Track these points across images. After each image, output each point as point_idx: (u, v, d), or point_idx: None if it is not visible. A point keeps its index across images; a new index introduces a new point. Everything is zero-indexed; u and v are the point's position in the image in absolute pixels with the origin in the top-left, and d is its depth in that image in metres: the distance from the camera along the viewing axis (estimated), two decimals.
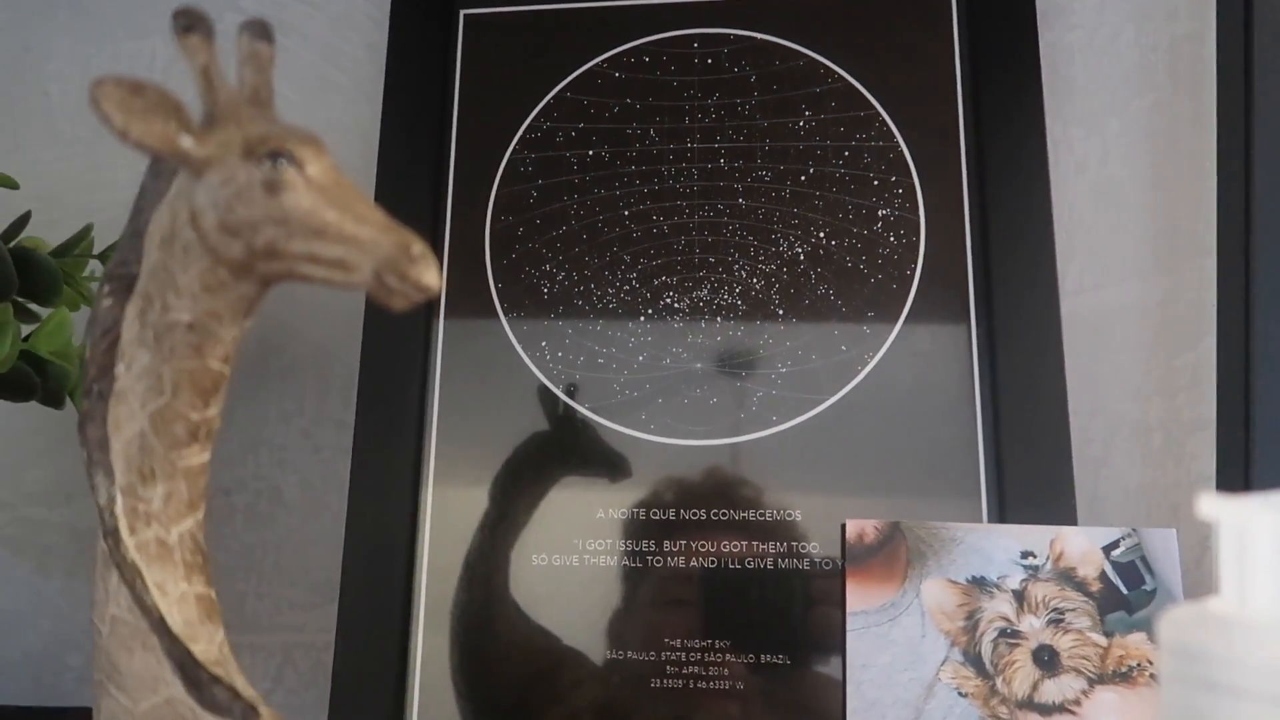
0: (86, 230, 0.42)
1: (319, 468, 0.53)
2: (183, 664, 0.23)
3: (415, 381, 0.45)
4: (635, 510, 0.42)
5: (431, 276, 0.23)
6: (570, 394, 0.44)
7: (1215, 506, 0.18)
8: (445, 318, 0.45)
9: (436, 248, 0.46)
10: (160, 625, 0.23)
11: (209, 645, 0.24)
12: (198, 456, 0.25)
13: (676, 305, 0.44)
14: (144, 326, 0.24)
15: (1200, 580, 0.45)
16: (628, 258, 0.45)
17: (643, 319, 0.44)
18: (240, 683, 0.23)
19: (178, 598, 0.24)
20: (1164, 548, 0.39)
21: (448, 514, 0.43)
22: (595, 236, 0.45)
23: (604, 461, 0.43)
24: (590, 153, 0.46)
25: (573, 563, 0.42)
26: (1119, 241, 0.48)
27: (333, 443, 0.53)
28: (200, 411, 0.24)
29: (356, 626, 0.43)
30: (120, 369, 0.24)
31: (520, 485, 0.43)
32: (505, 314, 0.45)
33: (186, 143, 0.22)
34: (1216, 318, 0.43)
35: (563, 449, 0.44)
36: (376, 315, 0.45)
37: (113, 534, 0.23)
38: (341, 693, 0.42)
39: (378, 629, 0.43)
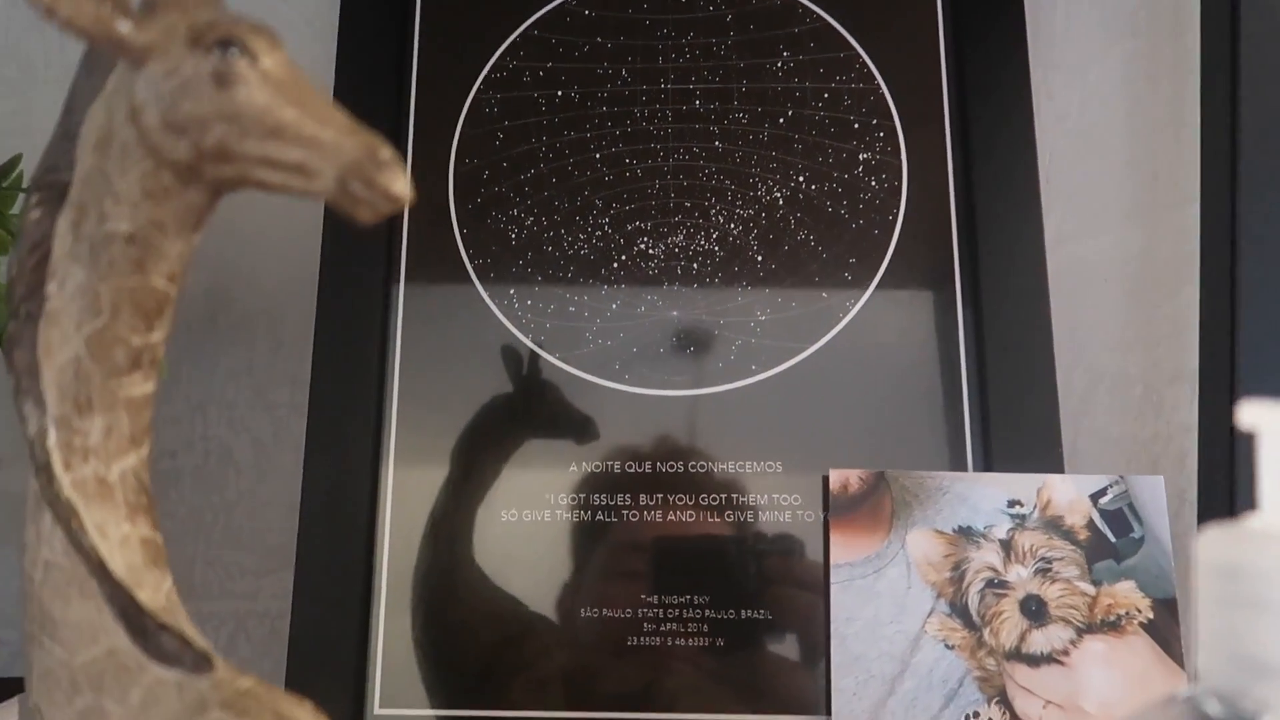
0: (15, 161, 0.39)
1: (272, 426, 0.50)
2: (126, 611, 0.21)
3: (375, 332, 0.42)
4: (609, 464, 0.41)
5: (401, 184, 0.21)
6: (527, 358, 0.42)
7: (1258, 416, 0.17)
8: (407, 265, 0.43)
9: None
10: (100, 570, 0.21)
11: (155, 592, 0.22)
12: (140, 386, 0.22)
13: (651, 251, 0.43)
14: (78, 240, 0.21)
15: (1179, 531, 0.44)
16: (600, 202, 0.43)
17: (616, 265, 0.43)
18: (191, 631, 0.21)
19: (119, 540, 0.22)
20: (1151, 495, 0.38)
21: (411, 473, 0.41)
22: (565, 180, 0.43)
23: (571, 423, 0.41)
24: (559, 93, 0.44)
25: (544, 518, 0.40)
26: (1099, 190, 0.47)
27: (286, 400, 0.50)
28: (143, 335, 0.22)
29: (314, 593, 0.41)
30: (52, 288, 0.22)
31: (485, 445, 0.41)
32: (470, 260, 0.43)
33: (124, 27, 0.20)
34: (1200, 266, 0.42)
35: (528, 410, 0.42)
36: (333, 262, 0.43)
37: (45, 469, 0.21)
38: (299, 661, 0.40)
39: (337, 595, 0.41)
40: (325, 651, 0.40)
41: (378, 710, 0.39)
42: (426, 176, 0.44)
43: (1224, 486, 0.40)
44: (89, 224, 0.21)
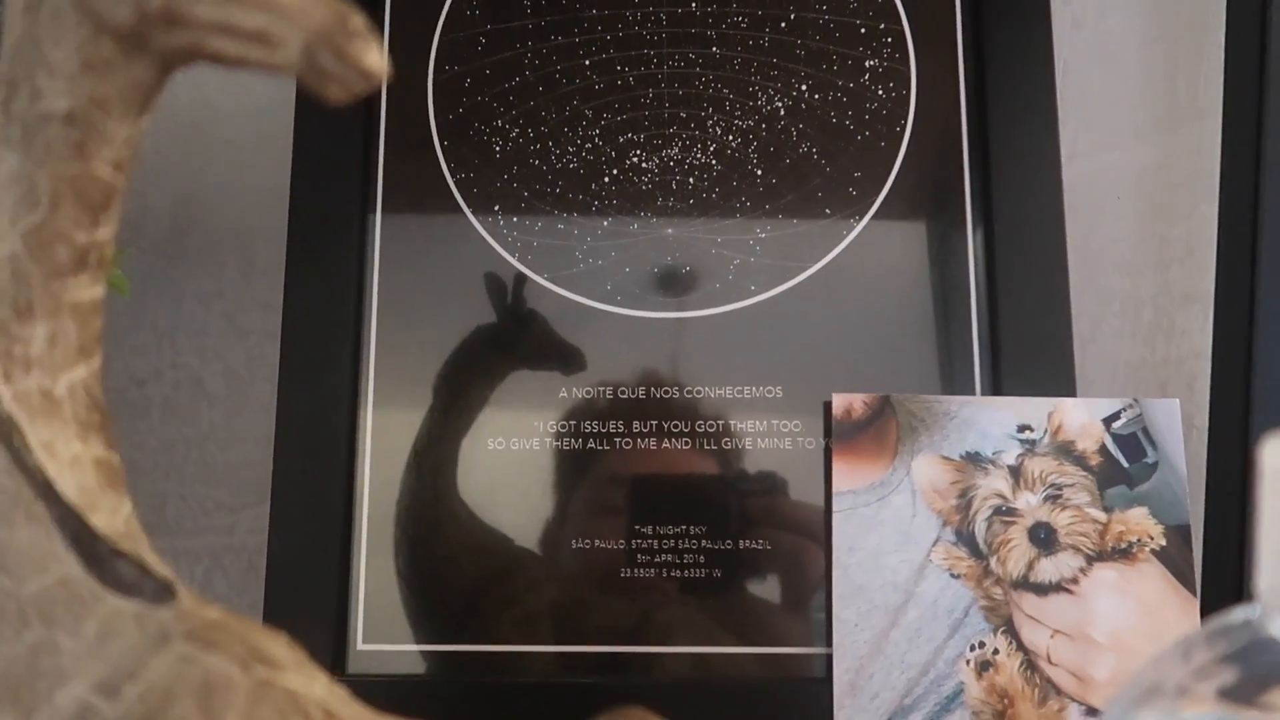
0: None
1: (244, 355, 0.48)
2: (78, 536, 0.19)
3: (351, 250, 0.40)
4: (601, 390, 0.39)
5: (375, 57, 0.18)
6: (520, 283, 0.39)
7: None
8: (384, 179, 0.40)
9: (372, 102, 0.41)
10: (48, 491, 0.19)
11: (112, 517, 0.19)
12: (88, 290, 0.20)
13: (645, 165, 0.40)
14: (9, 120, 0.19)
15: (1190, 456, 0.43)
16: (589, 112, 0.40)
17: (607, 180, 0.40)
18: (152, 559, 0.19)
19: (70, 460, 0.19)
20: (1166, 419, 0.37)
21: (392, 403, 0.39)
22: (552, 89, 0.41)
23: (558, 353, 0.39)
24: None
25: (532, 446, 0.38)
26: (1114, 103, 0.45)
27: (259, 327, 0.48)
28: (88, 231, 0.20)
29: (291, 527, 0.39)
30: None
31: (468, 375, 0.39)
32: (452, 175, 0.40)
33: None
34: (1220, 182, 0.40)
35: (513, 339, 0.39)
36: (305, 172, 0.40)
37: None
38: (277, 598, 0.38)
39: (316, 529, 0.39)
40: (305, 587, 0.38)
41: (360, 646, 0.38)
42: (404, 83, 0.41)
43: (1239, 412, 0.39)
44: (20, 101, 0.19)
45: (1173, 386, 0.44)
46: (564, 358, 0.39)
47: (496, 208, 0.40)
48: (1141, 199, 0.45)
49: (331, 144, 0.40)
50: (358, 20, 0.18)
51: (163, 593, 0.18)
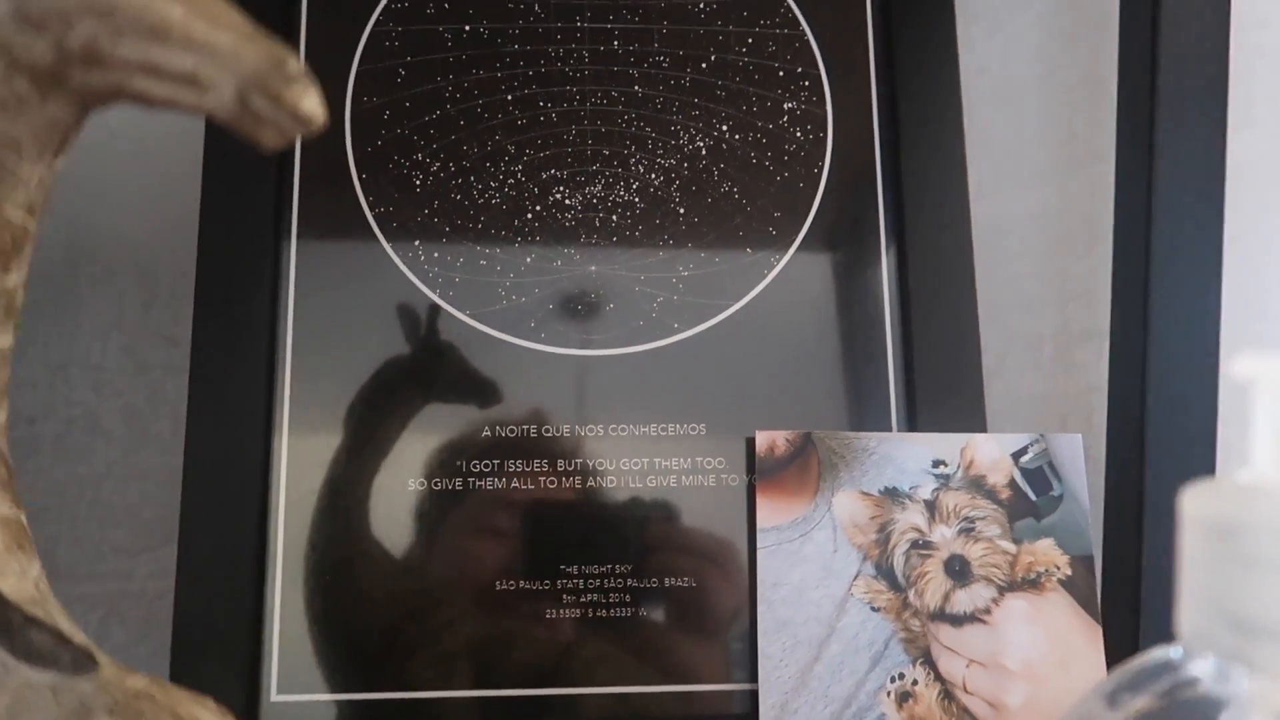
0: None
1: (145, 390, 0.46)
2: None
3: (265, 283, 0.38)
4: (525, 428, 0.38)
5: (312, 102, 0.18)
6: (434, 314, 0.39)
7: (1251, 367, 0.16)
8: (299, 212, 0.39)
9: None
10: None
11: (21, 580, 0.18)
12: None
13: (568, 201, 0.40)
14: None
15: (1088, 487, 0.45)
16: (512, 148, 0.40)
17: (530, 216, 0.40)
18: (67, 625, 0.18)
19: None
20: (1070, 453, 0.39)
21: (307, 441, 0.38)
22: (474, 123, 0.40)
23: (472, 387, 0.39)
24: (467, 28, 0.41)
25: (456, 486, 0.38)
26: (1016, 147, 0.47)
27: (161, 361, 0.46)
28: None
29: (200, 572, 0.37)
30: None
31: (384, 411, 0.38)
32: (371, 208, 0.39)
33: None
34: (1114, 225, 0.42)
35: (427, 373, 0.39)
36: (215, 202, 0.39)
37: None
38: (185, 646, 0.36)
39: (226, 573, 0.37)
40: (215, 635, 0.37)
41: (274, 698, 0.36)
42: None
43: (1134, 444, 0.40)
44: None
45: (1072, 419, 0.46)
46: (479, 391, 0.39)
47: (417, 242, 0.39)
48: (1042, 239, 0.47)
49: (243, 173, 0.39)
50: (294, 64, 0.18)
51: (82, 662, 0.17)
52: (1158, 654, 0.18)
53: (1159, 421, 0.40)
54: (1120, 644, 0.37)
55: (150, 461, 0.45)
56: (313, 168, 0.40)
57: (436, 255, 0.39)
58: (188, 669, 0.36)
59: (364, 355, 0.38)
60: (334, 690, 0.36)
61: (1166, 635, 0.40)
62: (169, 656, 0.36)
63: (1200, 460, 0.40)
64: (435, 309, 0.39)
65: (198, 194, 0.39)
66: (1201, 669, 0.17)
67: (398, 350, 0.39)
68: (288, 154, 0.40)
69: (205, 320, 0.38)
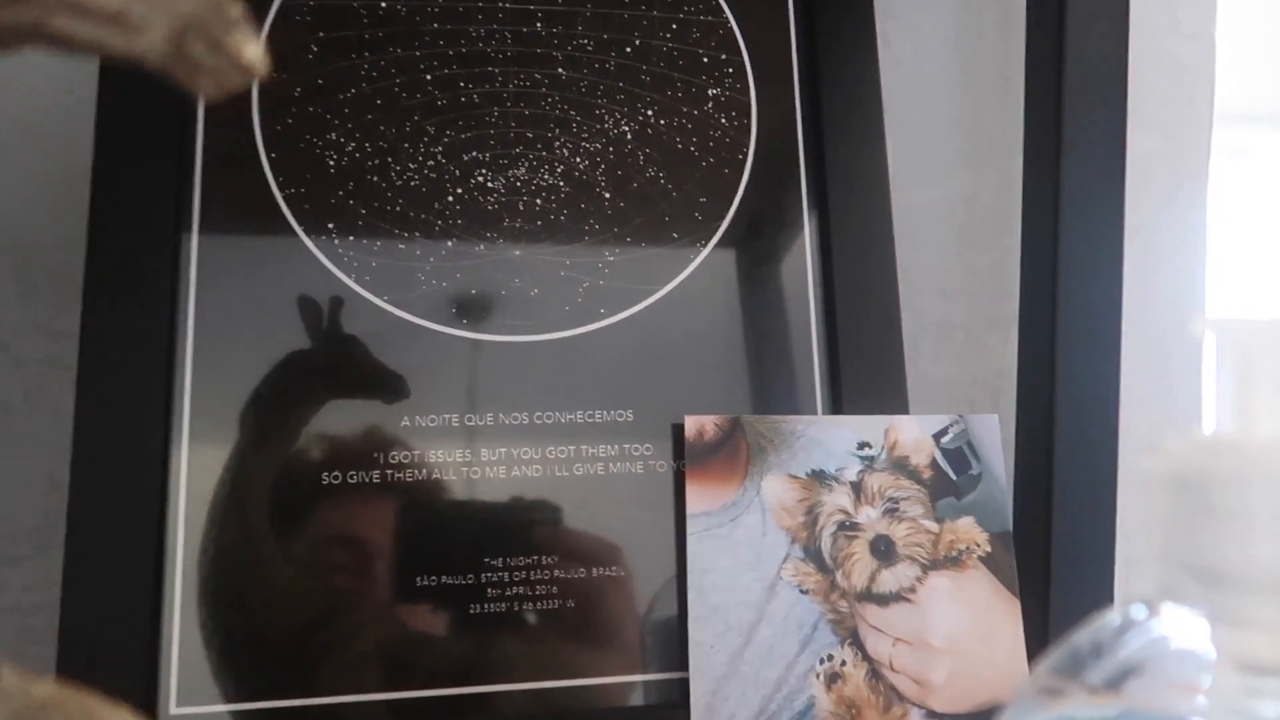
0: None
1: (21, 386, 0.42)
2: None
3: (163, 269, 0.36)
4: (447, 417, 0.37)
5: (254, 49, 0.17)
6: (336, 307, 0.37)
7: (1216, 327, 0.17)
8: (202, 190, 0.37)
9: (185, 106, 0.37)
10: None
11: None
12: None
13: (490, 185, 0.39)
14: None
15: None
16: (431, 129, 0.39)
17: (451, 199, 0.39)
18: None
19: None
20: (988, 433, 0.40)
21: (210, 436, 0.36)
22: (393, 103, 0.39)
23: (379, 381, 0.37)
24: (383, 4, 0.39)
25: (374, 479, 0.36)
26: (928, 141, 0.48)
27: (40, 355, 0.43)
28: None
29: (90, 580, 0.34)
30: None
31: (291, 404, 0.37)
32: (281, 189, 0.38)
33: None
34: (1022, 216, 0.44)
35: (329, 368, 0.37)
36: (109, 182, 0.36)
37: None
38: (74, 661, 0.34)
39: (120, 581, 0.35)
40: (107, 647, 0.34)
41: (174, 710, 0.34)
42: None
43: (1044, 425, 0.42)
44: None
45: (980, 404, 0.48)
46: (386, 386, 0.37)
47: (331, 226, 0.38)
48: (953, 230, 0.48)
49: (141, 152, 0.37)
50: (235, 7, 0.16)
51: None
52: (1119, 612, 0.18)
53: (1067, 402, 0.41)
54: (1031, 618, 0.38)
55: (26, 464, 0.42)
56: (218, 146, 0.37)
57: (352, 239, 0.38)
58: (75, 684, 0.34)
59: (275, 346, 0.37)
60: (240, 699, 0.34)
61: (1076, 608, 0.42)
62: (52, 673, 0.33)
63: (1105, 440, 0.42)
64: (339, 301, 0.37)
65: (82, 169, 0.36)
66: (1165, 625, 0.17)
67: (309, 341, 0.37)
68: (189, 130, 0.37)
69: (96, 311, 0.36)
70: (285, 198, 0.38)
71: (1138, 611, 0.17)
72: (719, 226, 0.40)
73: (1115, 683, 0.18)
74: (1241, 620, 0.15)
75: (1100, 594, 0.41)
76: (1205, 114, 0.51)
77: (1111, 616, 0.18)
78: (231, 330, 0.36)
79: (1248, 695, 0.16)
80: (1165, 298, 0.49)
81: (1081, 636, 0.18)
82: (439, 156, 0.39)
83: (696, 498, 0.37)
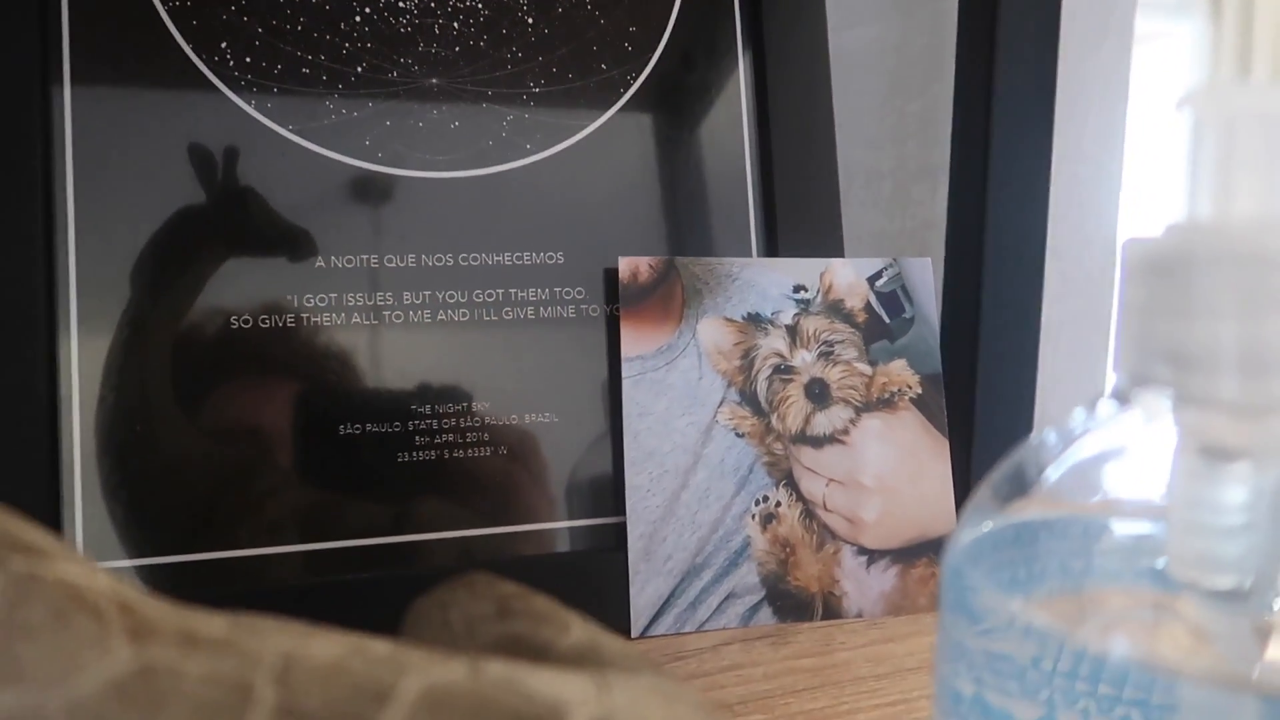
0: None
1: None
2: None
3: (33, 95, 0.32)
4: (365, 257, 0.34)
5: None
6: (232, 158, 0.34)
7: (1195, 99, 0.16)
8: (71, 10, 0.33)
9: None
10: None
11: None
12: None
13: (402, 4, 0.35)
14: None
15: None
16: None
17: (359, 19, 0.35)
18: None
19: None
20: (921, 277, 0.39)
21: (100, 293, 0.32)
22: None
23: (280, 238, 0.34)
24: None
25: (288, 322, 0.34)
26: None
27: None
28: None
29: None
30: None
31: (189, 251, 0.33)
32: (164, 3, 0.33)
33: None
34: (956, 62, 0.43)
35: (226, 226, 0.34)
36: None
37: None
38: None
39: (15, 452, 0.32)
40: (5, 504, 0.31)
41: None
42: None
43: (972, 271, 0.42)
44: None
45: (908, 253, 0.47)
46: (289, 243, 0.34)
47: (224, 45, 0.34)
48: (883, 76, 0.47)
49: None
50: None
51: None
52: (1087, 404, 0.18)
53: (996, 248, 0.41)
54: (956, 454, 0.39)
55: None
56: None
57: (249, 61, 0.34)
58: None
59: (168, 188, 0.33)
60: (152, 554, 0.32)
61: (1000, 445, 0.42)
62: None
63: (1030, 285, 0.42)
64: (226, 148, 0.34)
65: None
66: (1134, 412, 0.17)
67: (205, 180, 0.34)
68: None
69: None
70: (169, 11, 0.33)
71: (1105, 408, 0.17)
72: (650, 58, 0.38)
73: (1062, 488, 0.17)
74: (1206, 401, 0.15)
75: (1021, 433, 0.42)
76: None
77: (1049, 432, 0.18)
78: (118, 173, 0.33)
79: (1210, 482, 0.16)
80: (1091, 145, 0.49)
81: (1025, 451, 0.18)
82: None
83: (631, 341, 0.36)
